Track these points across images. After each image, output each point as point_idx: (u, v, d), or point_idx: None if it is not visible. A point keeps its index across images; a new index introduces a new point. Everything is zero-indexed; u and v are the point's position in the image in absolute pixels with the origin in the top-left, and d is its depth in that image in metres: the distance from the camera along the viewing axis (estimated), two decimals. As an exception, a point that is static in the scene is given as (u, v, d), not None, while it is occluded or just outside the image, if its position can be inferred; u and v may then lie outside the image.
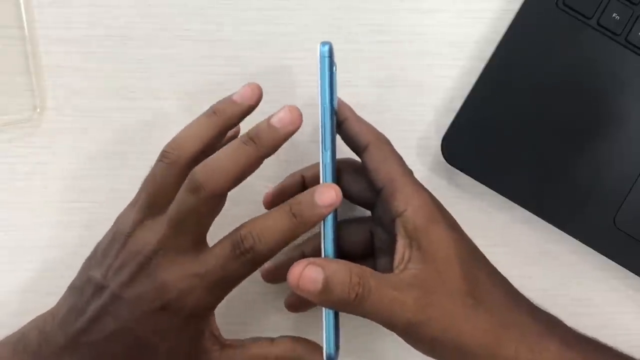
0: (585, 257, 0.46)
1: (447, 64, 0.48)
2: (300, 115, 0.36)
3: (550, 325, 0.37)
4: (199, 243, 0.36)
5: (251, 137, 0.35)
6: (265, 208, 0.43)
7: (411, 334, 0.35)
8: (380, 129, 0.46)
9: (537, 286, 0.46)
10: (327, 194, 0.35)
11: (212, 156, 0.36)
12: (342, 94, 0.48)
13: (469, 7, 0.48)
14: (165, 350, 0.36)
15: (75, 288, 0.38)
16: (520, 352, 0.35)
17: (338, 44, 0.48)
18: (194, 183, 0.35)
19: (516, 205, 0.45)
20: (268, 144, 0.35)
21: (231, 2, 0.48)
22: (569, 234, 0.45)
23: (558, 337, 0.36)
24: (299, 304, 0.44)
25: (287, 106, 0.36)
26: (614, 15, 0.45)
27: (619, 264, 0.45)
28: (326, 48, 0.37)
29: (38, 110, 0.47)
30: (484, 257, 0.39)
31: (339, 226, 0.38)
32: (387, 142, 0.40)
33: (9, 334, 0.39)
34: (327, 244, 0.36)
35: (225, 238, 0.35)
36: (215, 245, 0.36)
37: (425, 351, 0.36)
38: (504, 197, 0.45)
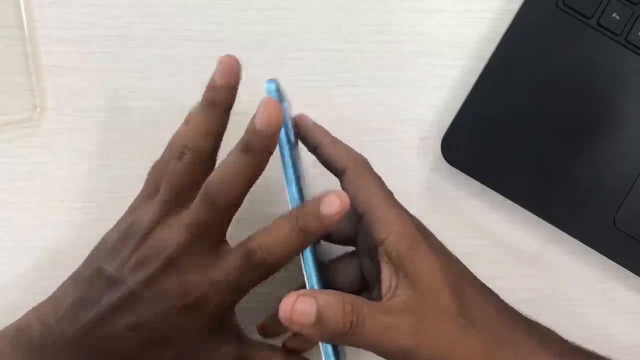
0: (585, 257, 0.46)
1: (447, 64, 0.48)
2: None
3: (544, 339, 0.37)
4: (219, 246, 0.36)
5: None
6: None
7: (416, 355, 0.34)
8: (380, 129, 0.46)
9: (536, 286, 0.46)
10: (334, 204, 0.34)
11: (224, 167, 0.36)
12: (342, 94, 0.48)
13: (469, 7, 0.48)
14: (182, 345, 0.36)
15: (81, 279, 0.37)
16: None
17: (338, 44, 0.48)
18: (209, 197, 0.35)
19: (516, 205, 0.45)
20: (265, 156, 0.36)
21: (231, 2, 0.48)
22: (569, 234, 0.45)
23: (553, 351, 0.36)
24: (270, 329, 0.43)
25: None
26: (614, 15, 0.45)
27: (619, 264, 0.45)
28: (272, 85, 0.38)
29: (38, 110, 0.47)
30: (472, 274, 0.38)
31: (327, 267, 0.39)
32: (364, 164, 0.39)
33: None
34: (311, 277, 0.36)
35: (236, 249, 0.36)
36: (228, 256, 0.36)
37: None
38: (504, 197, 0.45)
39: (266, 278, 0.36)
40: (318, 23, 0.48)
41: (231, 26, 0.48)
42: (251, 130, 0.35)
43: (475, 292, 0.37)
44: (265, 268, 0.35)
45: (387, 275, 0.35)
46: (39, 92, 0.47)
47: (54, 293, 0.38)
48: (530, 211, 0.45)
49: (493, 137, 0.45)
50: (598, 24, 0.45)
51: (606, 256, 0.45)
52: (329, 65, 0.48)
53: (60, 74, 0.47)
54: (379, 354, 0.34)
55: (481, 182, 0.45)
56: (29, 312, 0.38)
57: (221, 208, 0.35)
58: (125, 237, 0.37)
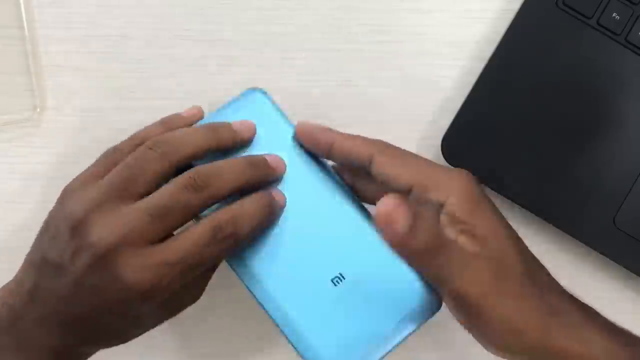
0: (585, 257, 0.46)
1: (447, 64, 0.48)
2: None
3: (589, 311, 0.36)
4: (171, 234, 0.35)
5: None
6: None
7: (480, 307, 0.34)
8: (380, 129, 0.46)
9: (537, 286, 0.46)
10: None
11: (218, 162, 0.36)
12: (342, 94, 0.48)
13: (469, 7, 0.48)
14: (135, 324, 0.37)
15: (33, 264, 0.37)
16: (569, 344, 0.34)
17: (338, 44, 0.48)
18: (196, 181, 0.35)
19: (516, 205, 0.45)
20: (266, 176, 0.38)
21: (231, 2, 0.48)
22: (569, 234, 0.45)
23: (598, 323, 0.36)
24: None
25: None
26: (614, 15, 0.45)
27: (619, 264, 0.45)
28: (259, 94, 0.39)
29: (38, 110, 0.47)
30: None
31: None
32: (388, 144, 0.38)
33: None
34: None
35: (203, 223, 0.35)
36: (190, 230, 0.35)
37: (478, 327, 0.35)
38: (504, 197, 0.45)
39: (225, 257, 0.36)
40: (318, 23, 0.48)
41: (231, 26, 0.48)
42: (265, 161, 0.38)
43: (532, 256, 0.37)
44: (235, 240, 0.35)
45: (454, 236, 0.35)
46: (39, 92, 0.47)
47: (16, 276, 0.38)
48: (530, 211, 0.45)
49: (493, 137, 0.45)
50: (598, 23, 0.45)
51: (606, 256, 0.45)
52: (329, 65, 0.48)
53: (60, 74, 0.47)
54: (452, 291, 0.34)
55: (481, 182, 0.45)
56: None
57: (208, 196, 0.35)
58: (64, 223, 0.36)
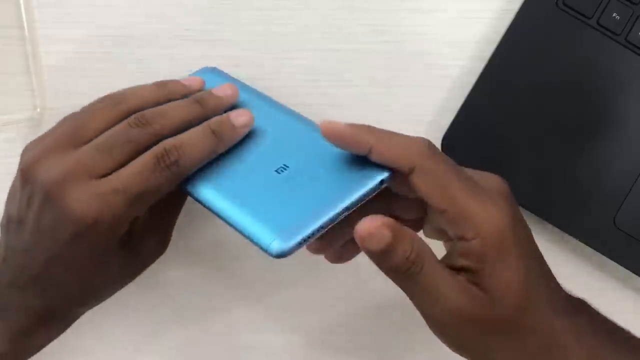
0: (585, 257, 0.46)
1: (447, 64, 0.48)
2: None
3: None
4: (119, 167, 0.36)
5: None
6: None
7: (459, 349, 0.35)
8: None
9: (537, 286, 0.46)
10: (243, 117, 0.38)
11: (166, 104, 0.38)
12: (342, 94, 0.48)
13: (469, 7, 0.48)
14: (96, 269, 0.37)
15: (1, 227, 0.39)
16: None
17: (338, 44, 0.48)
18: (140, 120, 0.36)
19: (516, 205, 0.45)
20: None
21: (231, 2, 0.48)
22: (569, 234, 0.45)
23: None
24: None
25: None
26: (614, 15, 0.45)
27: (619, 264, 0.45)
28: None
29: (38, 110, 0.47)
30: (555, 287, 0.36)
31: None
32: (431, 155, 0.34)
33: None
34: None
35: (146, 153, 0.36)
36: (135, 160, 0.36)
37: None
38: (504, 197, 0.45)
39: (170, 186, 0.36)
40: (318, 23, 0.48)
41: (231, 26, 0.48)
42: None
43: (552, 313, 0.34)
44: (178, 169, 0.35)
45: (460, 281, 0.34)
46: (39, 92, 0.47)
47: None
48: (530, 211, 0.45)
49: (493, 137, 0.45)
50: (598, 23, 0.45)
51: (606, 256, 0.45)
52: (329, 65, 0.48)
53: (60, 74, 0.47)
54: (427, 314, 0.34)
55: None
56: None
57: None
58: (17, 177, 0.37)
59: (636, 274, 0.45)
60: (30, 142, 0.38)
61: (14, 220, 0.37)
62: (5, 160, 0.47)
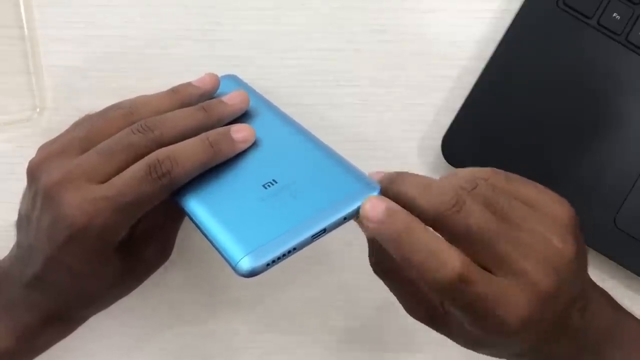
0: (586, 257, 0.46)
1: (447, 64, 0.48)
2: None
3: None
4: (119, 172, 0.36)
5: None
6: None
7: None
8: (380, 129, 0.46)
9: (537, 286, 0.46)
10: (243, 132, 0.37)
11: (172, 111, 0.38)
12: (342, 94, 0.48)
13: (469, 7, 0.48)
14: (92, 273, 0.37)
15: (16, 223, 0.40)
16: None
17: (338, 44, 0.48)
18: (142, 126, 0.36)
19: (516, 205, 0.45)
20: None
21: (231, 2, 0.48)
22: (569, 234, 0.45)
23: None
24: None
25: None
26: (614, 15, 0.45)
27: (619, 264, 0.45)
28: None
29: (38, 110, 0.47)
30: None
31: None
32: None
33: None
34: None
35: (139, 162, 0.35)
36: (128, 168, 0.35)
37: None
38: (504, 197, 0.45)
39: (163, 197, 0.36)
40: (318, 23, 0.48)
41: (231, 26, 0.48)
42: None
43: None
44: (170, 179, 0.35)
45: None
46: (39, 92, 0.47)
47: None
48: (530, 211, 0.45)
49: (493, 136, 0.45)
50: (598, 23, 0.45)
51: (606, 256, 0.45)
52: (329, 65, 0.48)
53: (60, 74, 0.47)
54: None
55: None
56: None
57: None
58: (29, 173, 0.38)
59: (636, 274, 0.45)
60: (44, 143, 0.39)
61: (23, 218, 0.38)
62: (5, 160, 0.47)
